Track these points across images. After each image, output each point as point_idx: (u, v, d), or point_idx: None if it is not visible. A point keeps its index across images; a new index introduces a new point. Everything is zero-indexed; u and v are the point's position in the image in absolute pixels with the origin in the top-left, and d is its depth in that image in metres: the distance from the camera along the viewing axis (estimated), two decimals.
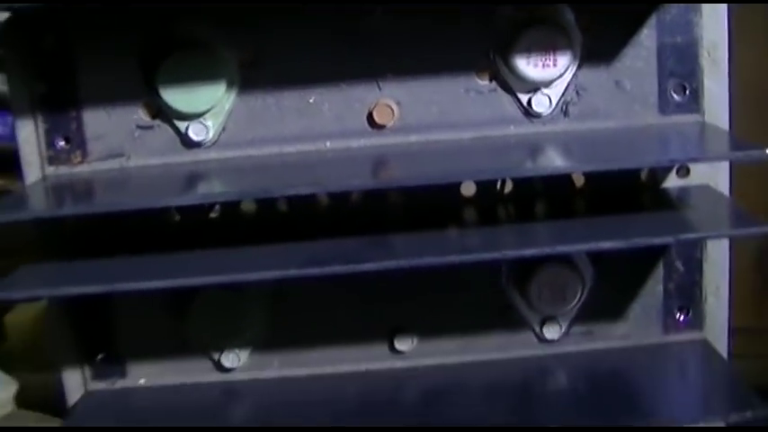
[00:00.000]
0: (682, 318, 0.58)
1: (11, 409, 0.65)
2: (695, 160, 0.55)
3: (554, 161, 0.53)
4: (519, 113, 0.56)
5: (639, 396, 0.54)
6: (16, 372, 0.67)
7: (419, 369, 0.59)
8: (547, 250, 0.49)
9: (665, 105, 0.56)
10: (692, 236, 0.51)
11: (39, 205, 0.51)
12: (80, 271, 0.51)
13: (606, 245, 0.48)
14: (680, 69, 0.55)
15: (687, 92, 0.56)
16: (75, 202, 0.52)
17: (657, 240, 0.49)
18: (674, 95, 0.56)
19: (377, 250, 0.50)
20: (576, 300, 0.57)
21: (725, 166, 0.57)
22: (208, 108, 0.55)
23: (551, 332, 0.58)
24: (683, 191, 0.56)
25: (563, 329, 0.58)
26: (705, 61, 0.55)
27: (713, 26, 0.55)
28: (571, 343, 0.59)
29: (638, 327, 0.59)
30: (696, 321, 0.59)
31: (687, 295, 0.58)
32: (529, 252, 0.49)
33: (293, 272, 0.48)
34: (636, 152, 0.52)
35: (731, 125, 0.56)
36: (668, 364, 0.58)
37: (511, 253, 0.49)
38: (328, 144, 0.56)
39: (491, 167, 0.50)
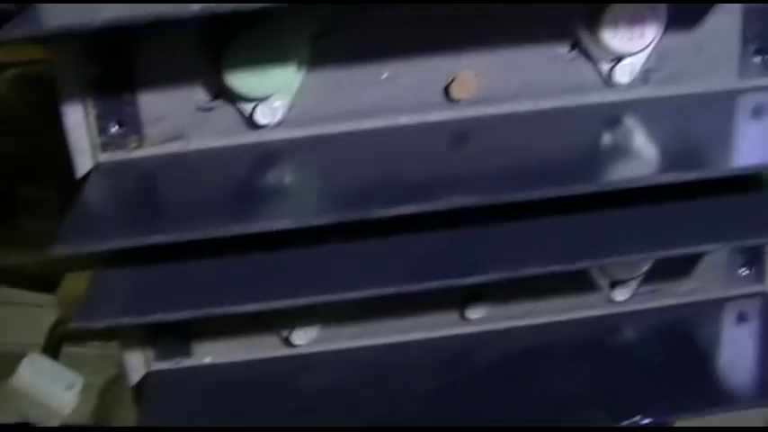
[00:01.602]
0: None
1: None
2: None
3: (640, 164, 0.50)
4: (599, 82, 0.54)
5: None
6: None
7: (491, 334, 0.58)
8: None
9: (744, 69, 0.54)
10: None
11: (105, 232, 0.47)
12: (161, 288, 0.48)
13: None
14: (763, 32, 0.54)
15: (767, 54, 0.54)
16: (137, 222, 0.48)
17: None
18: (754, 58, 0.54)
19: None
20: None
21: None
22: (277, 90, 0.51)
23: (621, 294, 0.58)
24: None
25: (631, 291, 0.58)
26: None
27: None
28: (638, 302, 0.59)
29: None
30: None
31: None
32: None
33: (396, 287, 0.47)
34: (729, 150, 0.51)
35: None
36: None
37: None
38: (403, 119, 0.53)
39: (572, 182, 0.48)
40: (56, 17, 0.44)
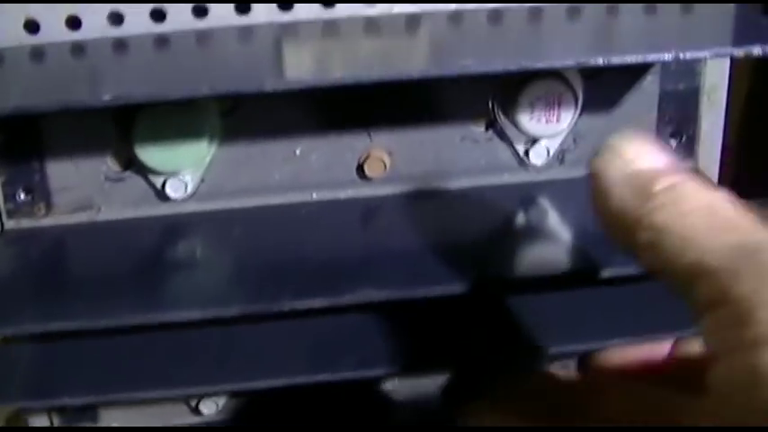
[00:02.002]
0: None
1: None
2: None
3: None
4: (514, 162, 0.53)
5: None
6: None
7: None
8: None
9: None
10: None
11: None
12: (66, 369, 0.48)
13: None
14: (678, 116, 0.54)
15: (683, 138, 0.54)
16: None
17: None
18: (670, 141, 0.54)
19: None
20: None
21: None
22: (188, 165, 0.50)
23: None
24: None
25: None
26: (704, 106, 0.54)
27: (715, 68, 0.53)
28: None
29: None
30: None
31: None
32: None
33: None
34: None
35: (722, 168, 0.55)
36: None
37: None
38: (315, 195, 0.53)
39: None
40: None
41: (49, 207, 0.51)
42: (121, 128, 0.50)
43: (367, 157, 0.52)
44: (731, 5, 0.50)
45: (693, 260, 0.32)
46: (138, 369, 0.48)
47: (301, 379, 0.47)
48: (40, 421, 0.55)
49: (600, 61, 0.43)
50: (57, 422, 0.55)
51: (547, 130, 0.52)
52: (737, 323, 0.30)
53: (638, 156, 0.37)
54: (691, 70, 0.53)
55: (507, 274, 0.47)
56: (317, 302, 0.45)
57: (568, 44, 0.48)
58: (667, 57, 0.43)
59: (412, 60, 0.47)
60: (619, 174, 0.36)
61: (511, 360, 0.49)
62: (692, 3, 0.51)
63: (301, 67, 0.47)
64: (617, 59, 0.43)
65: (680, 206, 0.34)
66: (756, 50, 0.42)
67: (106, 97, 0.40)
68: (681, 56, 0.43)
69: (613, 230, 0.36)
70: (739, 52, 0.43)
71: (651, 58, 0.44)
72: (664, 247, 0.33)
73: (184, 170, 0.51)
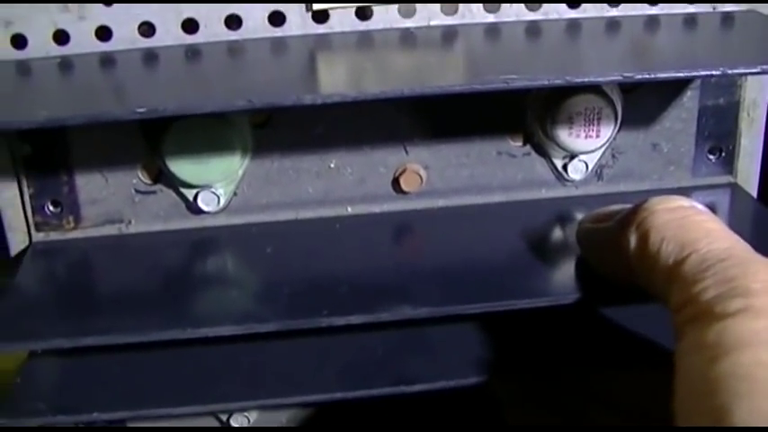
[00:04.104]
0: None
1: None
2: None
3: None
4: (551, 177, 0.53)
5: None
6: None
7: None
8: None
9: (698, 167, 0.53)
10: None
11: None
12: (95, 384, 0.47)
13: None
14: (718, 131, 0.53)
15: (723, 153, 0.53)
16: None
17: None
18: (709, 156, 0.53)
19: None
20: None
21: None
22: (220, 178, 0.50)
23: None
24: None
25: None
26: (744, 122, 0.53)
27: (755, 84, 0.52)
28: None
29: None
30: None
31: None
32: None
33: None
34: None
35: (761, 183, 0.54)
36: None
37: None
38: (349, 209, 0.52)
39: None
40: None
41: (77, 220, 0.51)
42: (151, 140, 0.49)
43: (403, 171, 0.51)
44: None
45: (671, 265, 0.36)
46: (169, 384, 0.47)
47: (336, 395, 0.46)
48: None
49: (646, 76, 0.42)
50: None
51: (586, 146, 0.51)
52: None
53: None
54: (730, 85, 0.52)
55: (544, 291, 0.46)
56: (354, 319, 0.44)
57: (608, 58, 0.47)
58: (715, 72, 0.42)
59: (450, 74, 0.47)
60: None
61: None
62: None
63: (337, 81, 0.46)
64: (663, 74, 0.42)
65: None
66: None
67: (140, 110, 0.40)
68: (729, 71, 0.42)
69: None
70: None
71: (698, 73, 0.43)
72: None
73: (216, 183, 0.50)
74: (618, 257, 0.40)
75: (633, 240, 0.39)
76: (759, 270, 0.33)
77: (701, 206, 0.39)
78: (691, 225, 0.37)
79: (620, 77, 0.42)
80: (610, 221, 0.42)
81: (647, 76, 0.42)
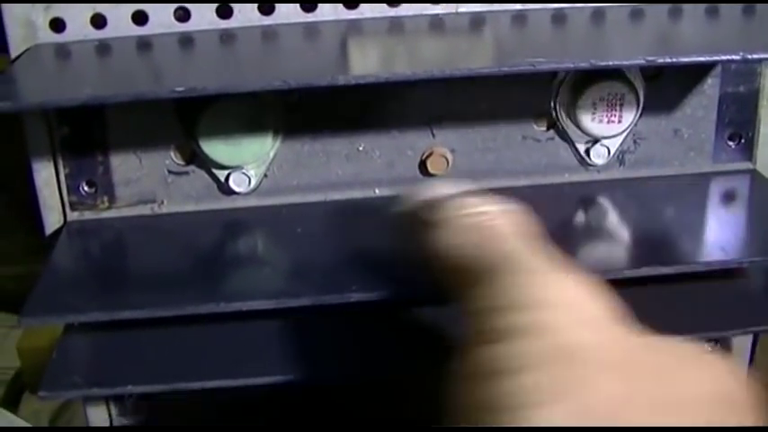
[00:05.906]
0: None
1: None
2: None
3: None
4: (574, 162, 0.54)
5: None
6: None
7: None
8: None
9: (718, 153, 0.54)
10: None
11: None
12: (130, 358, 0.48)
13: None
14: (738, 118, 0.54)
15: (742, 140, 0.54)
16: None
17: None
18: (729, 143, 0.54)
19: None
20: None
21: None
22: (252, 160, 0.51)
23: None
24: None
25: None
26: (764, 110, 0.54)
27: None
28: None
29: None
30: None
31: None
32: None
33: None
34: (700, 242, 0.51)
35: None
36: None
37: None
38: (377, 191, 0.53)
39: None
40: (35, 94, 0.43)
41: (111, 200, 0.52)
42: (185, 122, 0.50)
43: (430, 154, 0.52)
44: None
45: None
46: (199, 359, 0.48)
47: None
48: (98, 412, 0.56)
49: (668, 60, 0.43)
50: (116, 413, 0.56)
51: (608, 131, 0.52)
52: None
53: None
54: (751, 73, 0.53)
55: None
56: (384, 295, 0.45)
57: (633, 45, 0.48)
58: (735, 57, 0.43)
59: (478, 58, 0.48)
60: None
61: None
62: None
63: (369, 64, 0.47)
64: (685, 59, 0.43)
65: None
66: None
67: (179, 89, 0.41)
68: (749, 56, 0.43)
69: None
70: None
71: (718, 58, 0.44)
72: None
73: (248, 164, 0.51)
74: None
75: (432, 239, 0.38)
76: (536, 283, 0.33)
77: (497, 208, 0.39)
78: (483, 231, 0.37)
79: (643, 61, 0.43)
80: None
81: (669, 60, 0.43)
